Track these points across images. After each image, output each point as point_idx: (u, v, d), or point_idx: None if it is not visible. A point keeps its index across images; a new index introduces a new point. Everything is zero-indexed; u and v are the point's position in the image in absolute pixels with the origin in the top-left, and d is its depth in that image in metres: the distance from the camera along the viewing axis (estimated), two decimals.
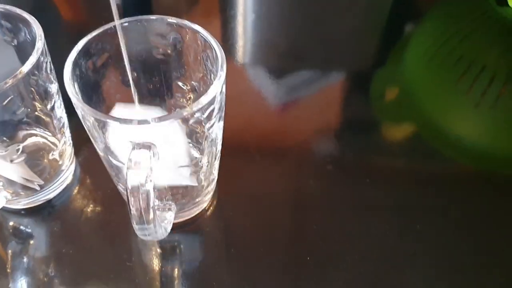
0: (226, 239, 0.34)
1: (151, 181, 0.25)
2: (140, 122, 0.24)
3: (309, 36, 0.50)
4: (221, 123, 0.29)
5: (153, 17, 0.29)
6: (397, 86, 0.45)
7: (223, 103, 0.28)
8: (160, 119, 0.24)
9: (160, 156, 0.26)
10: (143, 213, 0.25)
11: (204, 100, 0.25)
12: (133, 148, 0.25)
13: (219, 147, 0.31)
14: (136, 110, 0.32)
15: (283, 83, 0.45)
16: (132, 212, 0.25)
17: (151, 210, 0.25)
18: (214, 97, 0.26)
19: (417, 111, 0.42)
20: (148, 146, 0.25)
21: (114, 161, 0.28)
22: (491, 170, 0.39)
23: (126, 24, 0.29)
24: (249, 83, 0.45)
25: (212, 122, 0.27)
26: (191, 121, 0.26)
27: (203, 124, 0.27)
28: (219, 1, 0.55)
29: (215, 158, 0.31)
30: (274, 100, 0.43)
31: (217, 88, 0.26)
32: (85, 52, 0.28)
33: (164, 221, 0.29)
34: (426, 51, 0.47)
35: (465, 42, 0.47)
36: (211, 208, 0.35)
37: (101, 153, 0.29)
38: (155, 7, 0.53)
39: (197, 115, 0.26)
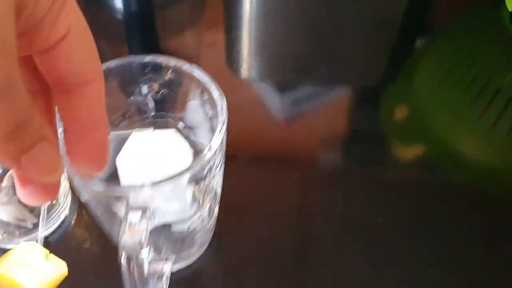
0: None
1: (147, 246, 0.23)
2: (135, 189, 0.22)
3: (317, 52, 0.47)
4: (222, 170, 0.27)
5: (148, 58, 0.26)
6: (407, 105, 0.43)
7: (224, 152, 0.26)
8: (157, 184, 0.22)
9: (158, 215, 0.24)
10: (137, 282, 0.23)
11: (204, 157, 0.23)
12: (127, 212, 0.23)
13: (219, 192, 0.29)
14: (152, 136, 0.30)
15: (290, 100, 0.43)
16: (125, 282, 0.23)
17: (145, 280, 0.23)
18: (216, 152, 0.24)
19: (429, 132, 0.40)
20: (143, 209, 0.23)
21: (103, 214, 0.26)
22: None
23: (120, 65, 0.26)
24: (255, 97, 0.43)
25: (212, 174, 0.25)
26: (190, 179, 0.24)
27: (204, 178, 0.25)
28: (224, 18, 0.52)
29: (216, 204, 0.29)
30: (280, 117, 0.41)
31: (218, 141, 0.24)
32: None
33: (160, 278, 0.27)
34: (438, 70, 0.45)
35: (480, 63, 0.45)
36: (209, 253, 0.33)
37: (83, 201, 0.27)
38: (159, 24, 0.51)
39: (197, 172, 0.23)
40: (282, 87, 0.44)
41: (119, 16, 0.51)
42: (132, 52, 0.47)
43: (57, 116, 0.19)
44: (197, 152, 0.30)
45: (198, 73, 0.26)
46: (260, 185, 0.36)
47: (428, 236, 0.34)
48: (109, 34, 0.49)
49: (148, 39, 0.49)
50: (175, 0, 0.52)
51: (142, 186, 0.22)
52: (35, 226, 0.33)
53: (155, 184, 0.22)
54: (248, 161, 0.38)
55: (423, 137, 0.40)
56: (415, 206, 0.35)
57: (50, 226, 0.34)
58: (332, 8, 0.51)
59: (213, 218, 0.30)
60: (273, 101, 0.43)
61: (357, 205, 0.35)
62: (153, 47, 0.48)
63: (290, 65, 0.46)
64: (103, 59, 0.48)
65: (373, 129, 0.41)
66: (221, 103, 0.25)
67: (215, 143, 0.24)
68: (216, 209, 0.30)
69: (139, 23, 0.50)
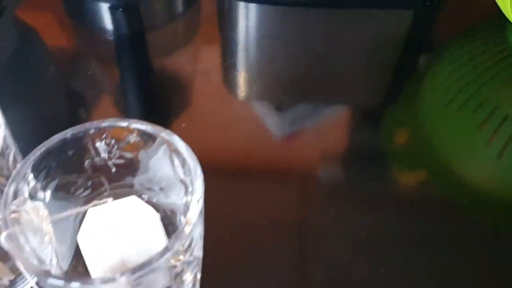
0: None
1: None
2: (104, 280, 0.19)
3: (317, 72, 0.45)
4: (202, 235, 0.24)
5: (105, 123, 0.24)
6: (410, 128, 0.40)
7: (203, 219, 0.23)
8: (130, 273, 0.19)
9: None
10: None
11: (183, 233, 0.20)
12: None
13: (201, 254, 0.26)
14: (110, 209, 0.27)
15: (288, 119, 0.41)
16: None
17: None
18: (195, 223, 0.21)
19: (432, 158, 0.38)
20: None
21: None
22: None
23: (76, 133, 0.24)
24: (252, 116, 0.41)
25: (194, 245, 0.23)
26: (170, 257, 0.21)
27: (185, 252, 0.22)
28: (220, 37, 0.50)
29: (199, 269, 0.27)
30: (278, 136, 0.40)
31: (196, 211, 0.21)
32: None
33: None
34: (443, 93, 0.43)
35: (486, 88, 0.42)
36: None
37: None
38: (151, 45, 0.48)
39: (177, 250, 0.21)
40: (281, 106, 0.42)
41: (109, 37, 0.49)
42: (123, 73, 0.45)
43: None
44: (167, 214, 0.27)
45: (164, 134, 0.23)
46: (254, 205, 0.34)
47: (428, 263, 0.32)
48: (99, 55, 0.47)
49: (140, 60, 0.46)
50: (167, 21, 0.51)
51: (115, 277, 0.19)
52: (12, 283, 0.30)
53: (130, 273, 0.19)
54: (245, 179, 0.36)
55: (426, 162, 0.38)
56: (417, 231, 0.33)
57: (28, 284, 0.30)
58: (331, 27, 0.50)
59: (197, 285, 0.27)
60: (271, 120, 0.41)
61: (356, 225, 0.33)
62: (145, 68, 0.46)
63: (289, 85, 0.44)
64: (94, 80, 0.44)
65: (374, 151, 0.39)
66: (194, 164, 0.23)
67: (193, 214, 0.21)
68: (199, 274, 0.27)
69: (129, 44, 0.48)
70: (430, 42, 0.50)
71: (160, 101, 0.43)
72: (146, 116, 0.39)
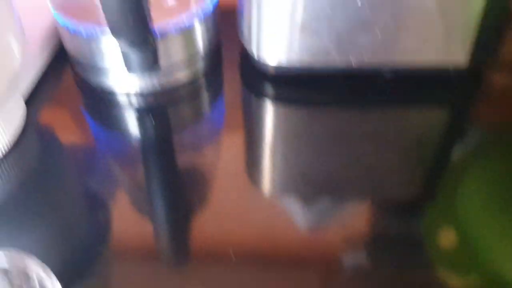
0: None
1: None
2: None
3: (347, 166, 0.44)
4: None
5: None
6: (453, 230, 0.37)
7: None
8: None
9: None
10: None
11: None
12: None
13: None
14: None
15: (316, 212, 0.39)
16: None
17: None
18: None
19: (479, 262, 0.35)
20: None
21: None
22: None
23: None
24: (279, 210, 0.40)
25: None
26: None
27: None
28: (244, 134, 0.49)
29: None
30: (306, 228, 0.38)
31: None
32: None
33: None
34: (488, 193, 0.40)
35: None
36: None
37: None
38: (176, 144, 0.48)
39: None
40: (309, 200, 0.40)
41: (134, 141, 0.49)
42: (147, 176, 0.45)
43: None
44: None
45: None
46: None
47: None
48: (124, 158, 0.47)
49: (164, 161, 0.46)
50: (192, 121, 0.51)
51: None
52: None
53: None
54: (274, 272, 0.35)
55: (472, 266, 0.34)
56: None
57: None
58: (363, 125, 0.48)
59: None
60: (299, 215, 0.39)
61: None
62: (169, 169, 0.46)
63: (318, 179, 0.42)
64: (117, 185, 0.43)
65: (411, 252, 0.36)
66: None
67: None
68: None
69: (154, 147, 0.48)
70: (470, 136, 0.49)
71: (185, 201, 0.42)
72: (173, 219, 0.39)
